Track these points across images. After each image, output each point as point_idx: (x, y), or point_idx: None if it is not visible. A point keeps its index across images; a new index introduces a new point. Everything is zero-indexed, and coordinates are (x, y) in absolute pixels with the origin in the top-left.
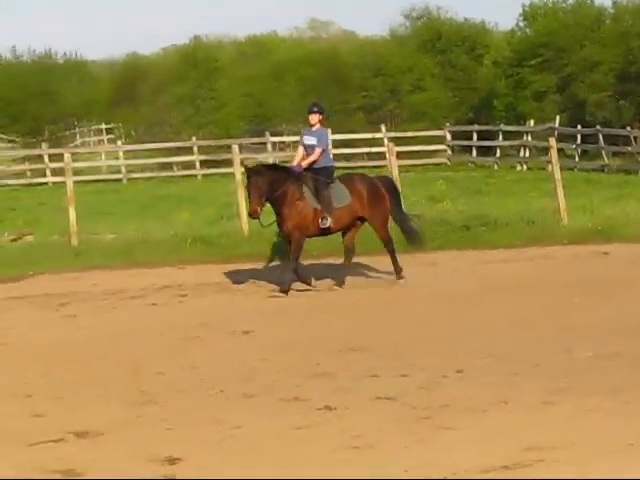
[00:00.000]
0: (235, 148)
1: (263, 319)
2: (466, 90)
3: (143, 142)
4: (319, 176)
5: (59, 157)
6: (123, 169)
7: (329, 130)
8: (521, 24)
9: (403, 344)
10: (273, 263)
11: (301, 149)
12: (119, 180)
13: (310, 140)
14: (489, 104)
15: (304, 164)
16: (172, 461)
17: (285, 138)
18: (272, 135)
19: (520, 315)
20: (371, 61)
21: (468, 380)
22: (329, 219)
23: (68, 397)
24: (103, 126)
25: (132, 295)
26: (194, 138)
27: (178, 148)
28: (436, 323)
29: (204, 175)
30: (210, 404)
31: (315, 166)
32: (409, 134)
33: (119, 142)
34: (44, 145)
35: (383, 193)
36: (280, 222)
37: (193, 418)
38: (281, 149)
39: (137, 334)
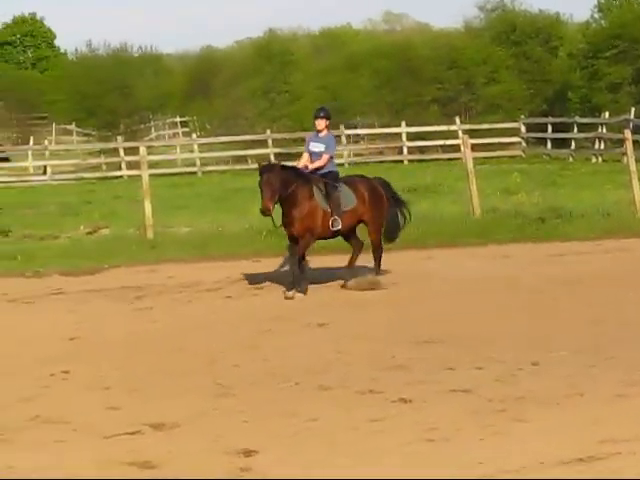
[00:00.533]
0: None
1: (338, 311)
2: (540, 82)
3: (217, 135)
4: (327, 178)
5: (134, 150)
6: (198, 162)
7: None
8: (596, 16)
9: (478, 336)
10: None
11: (306, 155)
12: (194, 173)
13: (317, 147)
14: (563, 96)
15: (311, 167)
16: (248, 453)
17: (359, 131)
18: (346, 128)
19: (595, 308)
20: (445, 53)
21: (543, 373)
22: (340, 222)
23: (144, 389)
24: (178, 119)
25: (207, 288)
26: (268, 131)
27: (252, 141)
28: (511, 315)
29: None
30: (285, 396)
31: (320, 171)
32: (484, 126)
33: (194, 135)
34: (119, 138)
35: (382, 195)
36: (289, 222)
37: (268, 410)
38: (355, 142)
39: (212, 327)
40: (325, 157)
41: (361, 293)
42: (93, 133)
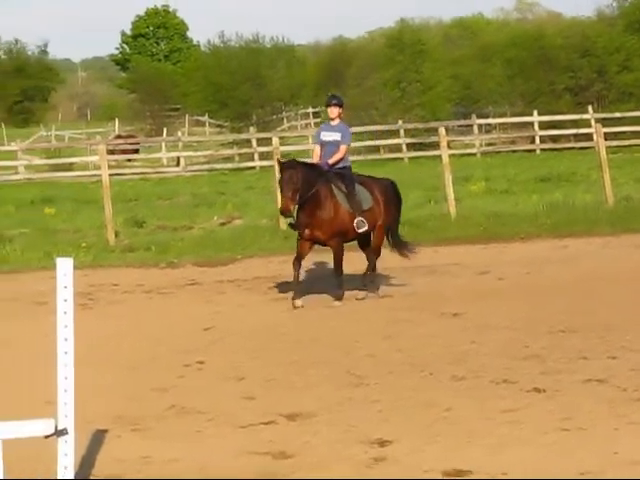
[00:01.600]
0: (442, 131)
1: (472, 301)
2: None
3: (350, 125)
4: (345, 176)
5: (267, 141)
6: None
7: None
8: None
9: (612, 326)
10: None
11: (317, 147)
12: None
13: (331, 136)
14: None
15: (330, 162)
16: (382, 443)
17: (491, 120)
18: (478, 117)
19: None
20: (577, 42)
21: None
22: (366, 223)
23: (278, 379)
24: (310, 110)
25: (346, 278)
26: (400, 121)
27: (385, 131)
28: None
29: (410, 158)
30: (420, 386)
31: (337, 165)
32: (616, 115)
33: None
34: (252, 129)
35: (393, 198)
36: (314, 225)
37: (403, 400)
38: (487, 131)
39: (346, 317)
40: (343, 148)
41: (496, 282)
42: (225, 124)
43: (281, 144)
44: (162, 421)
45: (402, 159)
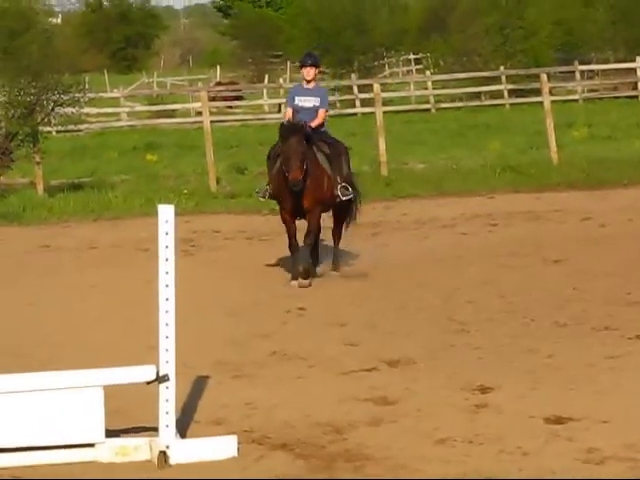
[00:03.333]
0: (544, 77)
1: (575, 247)
2: None
3: (452, 72)
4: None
5: (368, 88)
6: (432, 99)
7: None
8: None
9: None
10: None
11: (290, 110)
12: (427, 110)
13: (309, 101)
14: None
15: (312, 125)
16: (484, 390)
17: (594, 66)
18: (581, 64)
19: None
20: None
21: None
22: (350, 190)
23: (380, 325)
24: (412, 56)
25: (443, 224)
26: (502, 67)
27: (486, 78)
28: None
29: (512, 104)
30: (521, 333)
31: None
32: None
33: (428, 72)
34: (353, 76)
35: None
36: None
37: (504, 347)
38: (590, 78)
39: (448, 263)
40: (322, 113)
41: (598, 229)
42: (327, 71)
43: (383, 91)
44: (264, 367)
45: (504, 105)
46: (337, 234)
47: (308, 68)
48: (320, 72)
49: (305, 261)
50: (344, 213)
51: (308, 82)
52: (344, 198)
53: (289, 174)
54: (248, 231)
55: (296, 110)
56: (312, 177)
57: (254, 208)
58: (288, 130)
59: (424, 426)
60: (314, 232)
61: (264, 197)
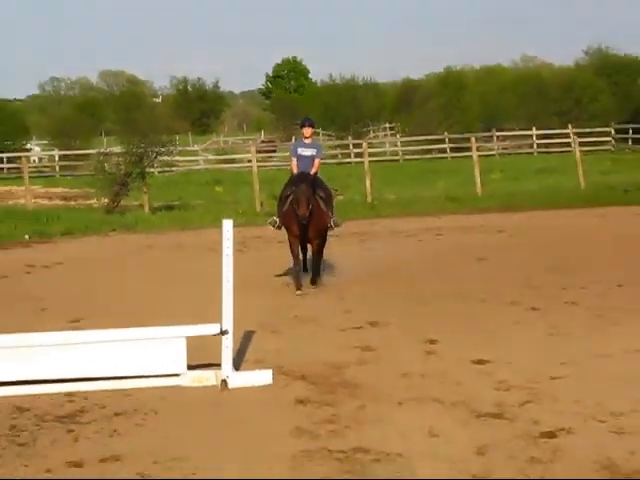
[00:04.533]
0: (473, 139)
1: (493, 250)
2: (625, 101)
3: (413, 135)
4: (322, 184)
5: (359, 145)
6: (400, 153)
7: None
8: None
9: (583, 267)
10: None
11: (295, 159)
12: (397, 160)
13: (308, 151)
14: None
15: (312, 172)
16: (432, 342)
17: (505, 133)
18: (497, 131)
19: None
20: (562, 81)
21: (626, 292)
22: (340, 222)
23: (367, 300)
24: (387, 125)
25: (407, 234)
26: (446, 133)
27: (435, 139)
28: (606, 253)
29: (452, 157)
30: (458, 305)
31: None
32: (587, 130)
33: (398, 136)
34: (350, 137)
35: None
36: (306, 226)
37: (447, 314)
38: (502, 140)
39: (411, 259)
40: (317, 162)
41: (508, 238)
42: (332, 134)
43: (368, 147)
44: (290, 327)
45: (447, 158)
46: (318, 256)
47: (307, 128)
48: (315, 132)
49: (301, 277)
50: (324, 242)
51: (307, 138)
52: (335, 228)
53: (299, 211)
54: (280, 238)
55: (298, 158)
56: (315, 214)
57: None
58: (299, 178)
59: (394, 365)
60: (319, 252)
61: (274, 226)
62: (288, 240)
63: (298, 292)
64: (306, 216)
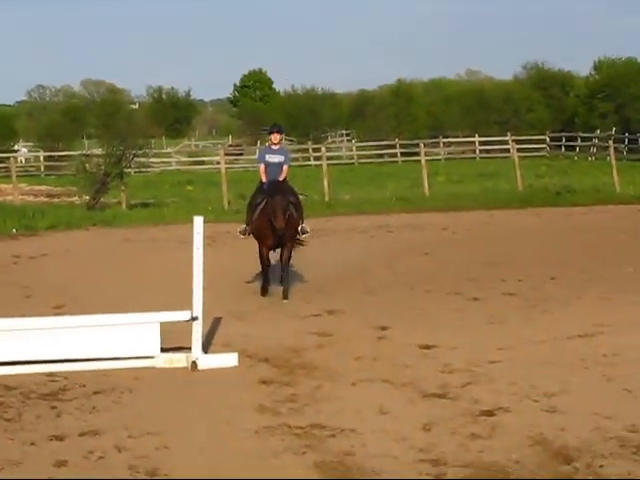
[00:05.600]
0: (421, 145)
1: (437, 246)
2: (559, 112)
3: (367, 141)
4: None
5: (318, 150)
6: (355, 157)
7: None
8: (593, 72)
9: (519, 262)
10: None
11: (262, 166)
12: (352, 164)
13: (276, 158)
14: (572, 120)
15: (281, 179)
16: (383, 328)
17: (451, 140)
18: (443, 138)
19: (592, 244)
20: (502, 94)
21: (559, 284)
22: (308, 228)
23: (324, 290)
24: (344, 131)
25: (360, 231)
26: (397, 139)
27: (387, 145)
28: (540, 250)
29: (402, 161)
30: (406, 295)
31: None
32: (524, 137)
33: (353, 141)
34: (309, 142)
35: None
36: (278, 233)
37: (396, 303)
38: (447, 146)
39: (362, 252)
40: (286, 168)
41: (451, 235)
42: (293, 139)
43: (327, 151)
44: (254, 314)
45: (397, 162)
46: (287, 264)
47: (275, 134)
48: (283, 138)
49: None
50: (292, 246)
51: (275, 144)
52: (303, 235)
53: (276, 223)
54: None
55: (266, 164)
56: (288, 220)
57: None
58: (272, 188)
59: (348, 349)
60: (289, 258)
61: (244, 234)
62: (259, 249)
63: (263, 294)
64: (284, 228)
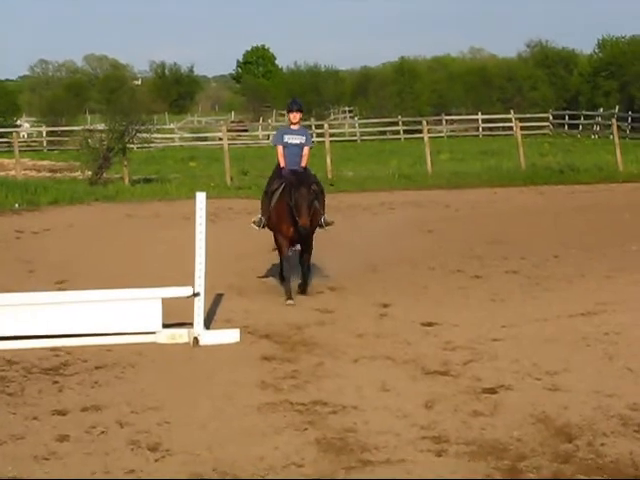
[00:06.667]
0: (424, 123)
1: (440, 223)
2: (562, 90)
3: (370, 118)
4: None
5: (321, 127)
6: (358, 134)
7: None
8: (597, 50)
9: (523, 240)
10: None
11: (280, 148)
12: (355, 141)
13: (295, 139)
14: (576, 98)
15: (303, 165)
16: (385, 305)
17: (453, 117)
18: (446, 115)
19: (594, 222)
20: (505, 72)
21: (561, 262)
22: (331, 220)
23: (325, 267)
24: (346, 109)
25: (363, 208)
26: (399, 116)
27: (390, 122)
28: (543, 228)
29: (405, 139)
30: (409, 272)
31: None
32: (527, 115)
33: (356, 118)
34: (312, 119)
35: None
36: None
37: (399, 280)
38: (450, 124)
39: (365, 229)
40: (308, 150)
41: (454, 212)
42: None
43: (329, 129)
44: (257, 290)
45: (400, 139)
46: (308, 256)
47: (295, 113)
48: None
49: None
50: (311, 242)
51: (294, 124)
52: (326, 227)
53: (301, 220)
54: (248, 209)
55: (285, 146)
56: (312, 218)
57: (253, 195)
58: (295, 179)
59: (350, 326)
60: (310, 252)
61: (259, 226)
62: (276, 242)
63: (289, 302)
64: (308, 226)
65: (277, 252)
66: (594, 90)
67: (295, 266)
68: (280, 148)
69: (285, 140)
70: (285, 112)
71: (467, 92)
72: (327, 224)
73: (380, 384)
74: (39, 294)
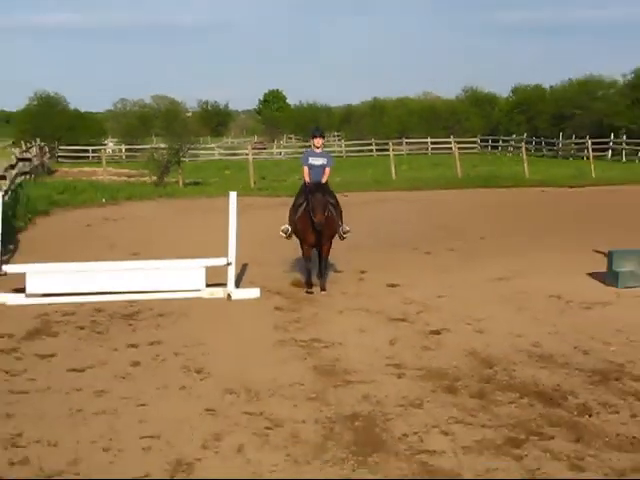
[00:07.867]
0: (390, 144)
1: (404, 215)
2: (485, 120)
3: (352, 140)
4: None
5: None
6: (344, 151)
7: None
8: (511, 93)
9: (460, 227)
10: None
11: (306, 168)
12: (341, 156)
13: (318, 161)
14: (497, 127)
15: (324, 181)
16: (363, 272)
17: (412, 140)
18: (406, 139)
19: (510, 215)
20: (448, 108)
21: (486, 243)
22: (349, 230)
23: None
24: (336, 133)
25: (344, 203)
26: (373, 139)
27: (366, 143)
28: (475, 218)
29: (377, 155)
30: (378, 249)
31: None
32: (463, 139)
33: (342, 140)
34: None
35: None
36: (319, 232)
37: (374, 256)
38: (409, 145)
39: (353, 221)
40: (328, 171)
41: (413, 205)
42: (300, 137)
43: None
44: (271, 262)
45: (373, 155)
46: (326, 260)
47: (318, 138)
48: (324, 143)
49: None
50: (330, 245)
51: (317, 148)
52: (345, 235)
53: (315, 217)
54: (267, 204)
55: (310, 167)
56: (328, 220)
57: (271, 194)
58: (314, 188)
59: (337, 287)
60: (327, 255)
61: (286, 234)
62: (301, 247)
63: (309, 290)
64: (322, 222)
65: (299, 247)
66: (509, 122)
67: (315, 262)
68: (306, 168)
69: (310, 162)
70: (309, 138)
71: (421, 123)
72: (345, 232)
73: (358, 327)
74: (119, 262)
